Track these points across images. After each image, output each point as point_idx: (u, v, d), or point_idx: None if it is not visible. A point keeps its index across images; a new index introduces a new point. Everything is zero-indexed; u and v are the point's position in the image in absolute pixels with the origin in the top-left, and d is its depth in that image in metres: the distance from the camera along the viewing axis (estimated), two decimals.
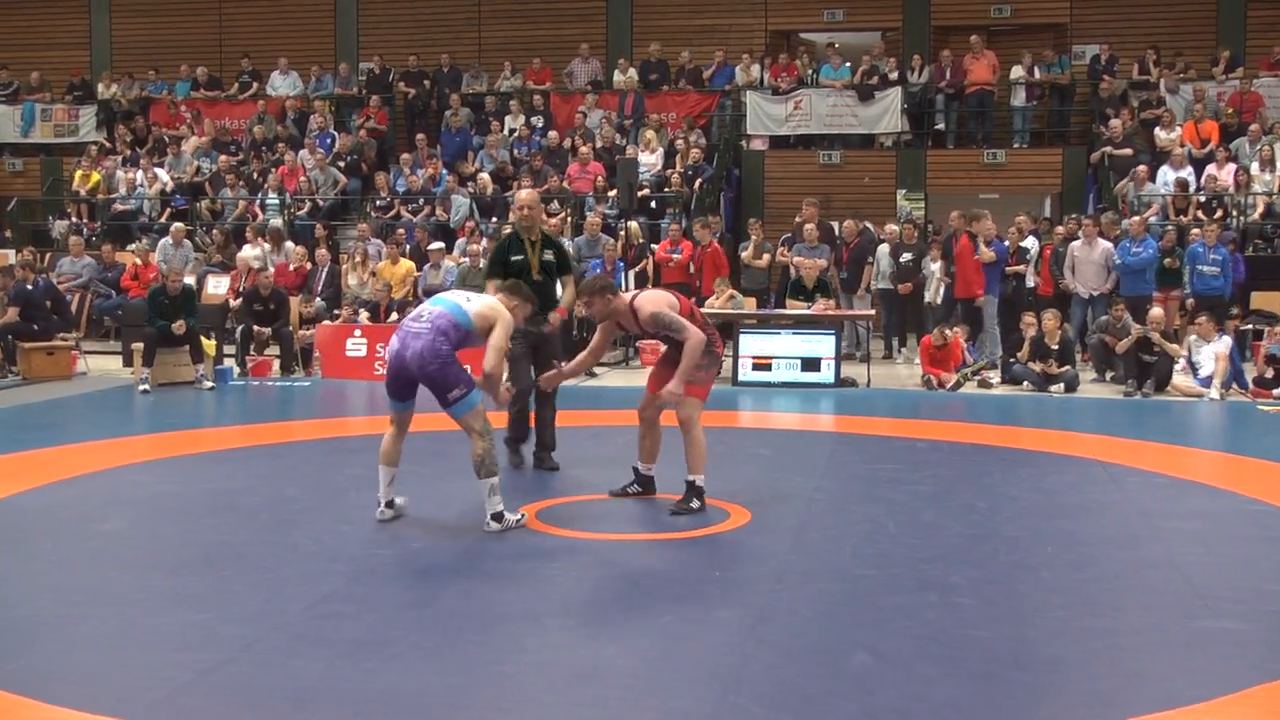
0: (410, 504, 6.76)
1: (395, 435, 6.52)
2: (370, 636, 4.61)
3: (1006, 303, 13.89)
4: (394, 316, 14.30)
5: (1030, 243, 14.80)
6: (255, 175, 19.26)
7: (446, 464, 8.26)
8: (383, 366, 13.44)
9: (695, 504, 6.68)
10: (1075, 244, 14.34)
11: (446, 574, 5.51)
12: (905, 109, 18.99)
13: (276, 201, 18.44)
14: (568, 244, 15.76)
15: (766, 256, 15.66)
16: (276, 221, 17.48)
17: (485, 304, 6.38)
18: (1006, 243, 14.09)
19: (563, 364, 6.86)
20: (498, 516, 6.23)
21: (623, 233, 15.77)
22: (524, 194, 8.43)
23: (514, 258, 8.22)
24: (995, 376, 12.83)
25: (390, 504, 6.47)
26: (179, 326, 12.38)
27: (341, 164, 19.13)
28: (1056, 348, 12.44)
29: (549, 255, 8.28)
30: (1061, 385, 12.22)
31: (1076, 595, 5.21)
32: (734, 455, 8.66)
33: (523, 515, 6.41)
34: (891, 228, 15.46)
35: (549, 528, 6.36)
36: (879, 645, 4.53)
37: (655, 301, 6.71)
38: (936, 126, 19.41)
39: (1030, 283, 14.69)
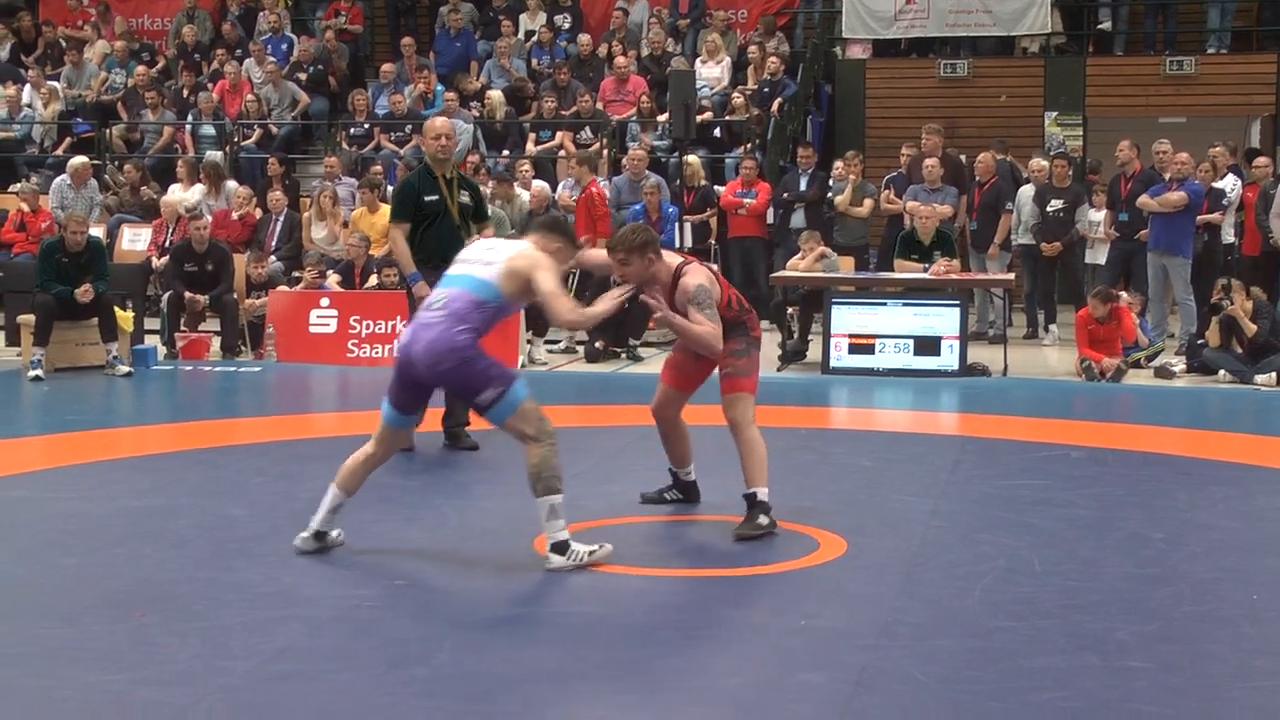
0: (381, 529, 6.77)
1: (371, 455, 6.40)
2: (341, 705, 4.63)
3: (1196, 264, 13.78)
4: (373, 280, 14.39)
5: (1229, 183, 14.65)
6: (185, 93, 19.40)
7: (441, 476, 8.30)
8: (360, 348, 13.66)
9: (763, 521, 6.76)
10: None
11: (442, 622, 5.53)
12: (1057, 2, 18.83)
13: (213, 131, 18.57)
14: (609, 185, 15.78)
15: (868, 202, 15.60)
16: (215, 155, 17.61)
17: (509, 257, 6.26)
18: (1198, 182, 13.95)
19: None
20: (560, 547, 6.14)
21: (685, 171, 15.72)
22: (440, 121, 9.27)
23: (427, 197, 8.92)
24: (1179, 363, 12.74)
25: (320, 536, 6.41)
26: (84, 293, 12.50)
27: (302, 77, 19.23)
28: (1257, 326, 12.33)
29: (465, 198, 9.05)
30: (1272, 376, 12.11)
31: None
32: (824, 465, 8.64)
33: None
34: (1039, 163, 15.35)
35: None
36: None
37: (704, 276, 6.81)
38: (1100, 25, 19.26)
39: (1229, 237, 14.54)
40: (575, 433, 8.83)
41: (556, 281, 6.23)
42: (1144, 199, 13.69)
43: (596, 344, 13.53)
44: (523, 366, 13.26)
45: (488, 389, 6.09)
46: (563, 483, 6.20)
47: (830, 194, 15.71)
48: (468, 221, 9.07)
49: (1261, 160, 15.27)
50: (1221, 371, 12.35)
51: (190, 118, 18.82)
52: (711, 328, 6.69)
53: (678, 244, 14.89)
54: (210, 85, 19.23)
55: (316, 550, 6.39)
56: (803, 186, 15.67)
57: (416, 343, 6.14)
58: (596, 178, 14.95)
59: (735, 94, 17.45)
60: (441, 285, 6.38)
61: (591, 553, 6.20)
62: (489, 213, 9.33)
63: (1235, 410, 11.22)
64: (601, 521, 7.07)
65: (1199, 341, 12.80)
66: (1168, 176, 13.77)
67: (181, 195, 16.44)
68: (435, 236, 8.90)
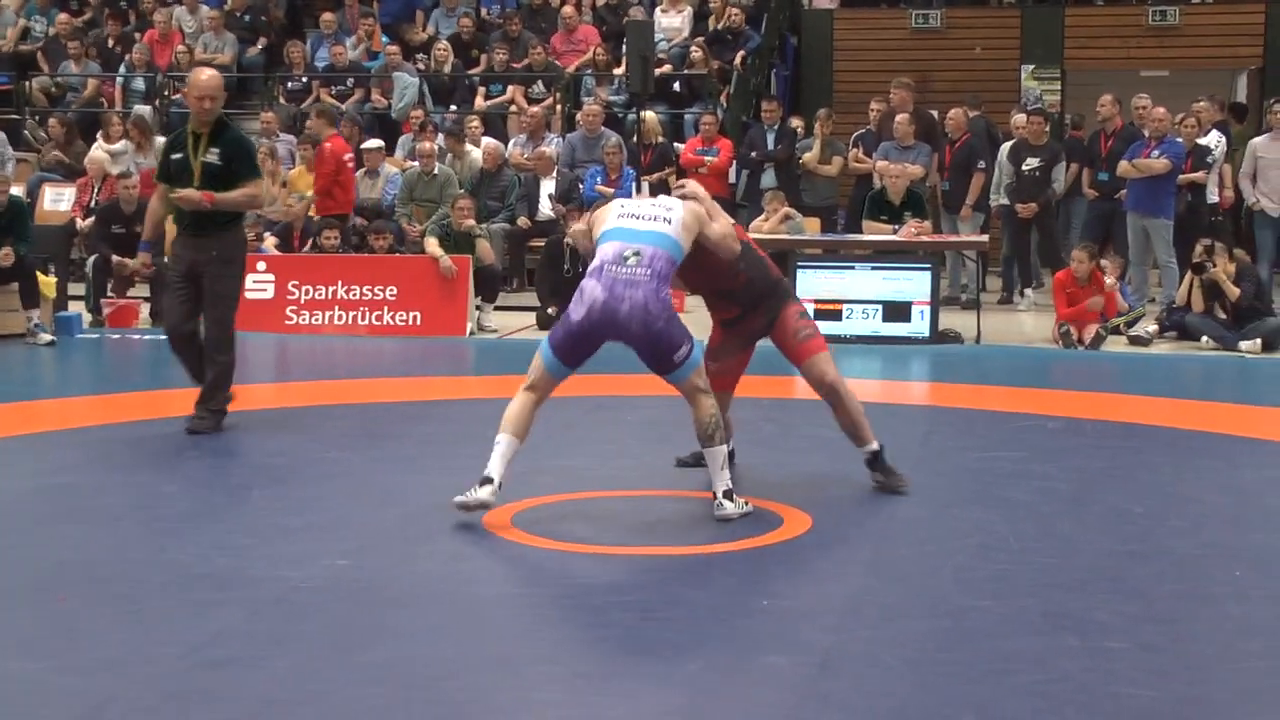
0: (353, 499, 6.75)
1: (535, 401, 6.62)
2: (278, 693, 4.61)
3: (1179, 225, 13.83)
4: (323, 242, 14.32)
5: (1214, 139, 14.72)
6: (110, 42, 19.22)
7: (389, 450, 8.28)
8: (299, 314, 13.60)
9: (901, 474, 7.15)
10: (1260, 140, 14.29)
11: (388, 603, 5.50)
12: None
13: (143, 84, 18.41)
14: (563, 143, 15.72)
15: (837, 160, 15.60)
16: (144, 109, 17.47)
17: (685, 212, 6.64)
18: (1180, 140, 13.99)
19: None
20: (730, 494, 6.52)
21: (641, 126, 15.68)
22: (204, 77, 8.72)
23: (174, 155, 8.69)
24: (1152, 327, 12.80)
25: (488, 483, 6.42)
26: (4, 256, 12.41)
27: (237, 28, 19.08)
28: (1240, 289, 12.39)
29: (213, 157, 8.52)
30: (1257, 342, 12.17)
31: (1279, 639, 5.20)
32: (788, 437, 8.65)
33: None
34: (1019, 119, 15.39)
35: (531, 537, 6.35)
36: (992, 708, 4.51)
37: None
38: None
39: (1213, 197, 14.62)
40: None
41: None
42: (1124, 165, 13.71)
43: (549, 310, 13.51)
44: (471, 334, 13.25)
45: (683, 345, 6.43)
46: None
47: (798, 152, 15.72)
48: (218, 181, 8.49)
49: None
50: (1205, 338, 12.40)
51: (123, 69, 18.63)
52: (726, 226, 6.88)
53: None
54: (138, 35, 19.06)
55: (478, 506, 6.39)
56: (769, 143, 15.65)
57: (623, 301, 6.33)
58: (335, 131, 14.84)
59: (694, 47, 17.38)
60: (624, 239, 6.51)
61: (745, 507, 6.58)
62: (256, 171, 8.81)
63: (1219, 378, 11.29)
64: (554, 497, 7.06)
65: (1173, 304, 12.87)
66: (1147, 134, 13.82)
67: (108, 151, 16.29)
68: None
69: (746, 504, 6.60)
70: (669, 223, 6.56)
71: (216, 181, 8.49)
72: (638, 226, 6.55)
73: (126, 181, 14.12)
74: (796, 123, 16.00)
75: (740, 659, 4.93)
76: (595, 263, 6.49)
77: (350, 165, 14.70)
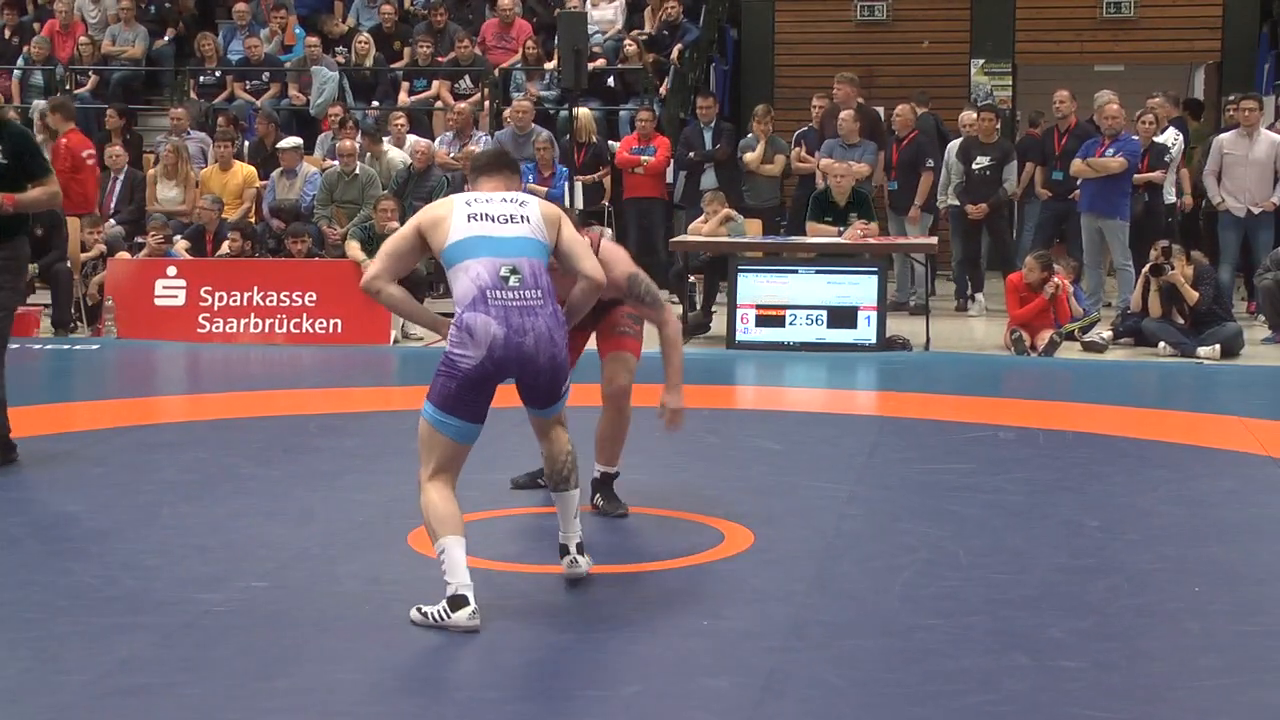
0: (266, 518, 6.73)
1: (452, 484, 5.80)
2: None
3: (1135, 227, 13.92)
4: (225, 247, 14.24)
5: (1170, 137, 14.83)
6: (8, 34, 19.07)
7: (306, 465, 8.24)
8: (212, 322, 13.52)
9: (624, 504, 7.00)
10: (1226, 136, 14.39)
11: (307, 627, 5.49)
12: None
13: (42, 78, 18.27)
14: (491, 140, 15.71)
15: (780, 159, 15.62)
16: (42, 104, 17.31)
17: (543, 207, 5.79)
18: (1136, 137, 14.10)
19: None
20: (583, 548, 5.97)
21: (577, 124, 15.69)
22: None
23: None
24: (1107, 333, 12.90)
25: (464, 604, 5.43)
26: None
27: (144, 19, 18.96)
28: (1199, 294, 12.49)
29: None
30: (1216, 348, 12.28)
31: (1239, 656, 5.24)
32: (730, 450, 8.66)
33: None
34: (969, 116, 15.44)
35: None
36: None
37: (625, 258, 6.72)
38: None
39: (1170, 197, 14.73)
40: None
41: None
42: (1078, 164, 13.76)
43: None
44: (395, 342, 13.21)
45: (568, 376, 5.86)
46: None
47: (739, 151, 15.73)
48: (6, 181, 8.00)
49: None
50: (1162, 344, 12.50)
51: (21, 63, 18.47)
52: (672, 322, 6.77)
53: (568, 206, 14.87)
54: (38, 26, 18.90)
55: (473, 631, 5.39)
56: (706, 141, 15.66)
57: (526, 334, 5.50)
58: (73, 126, 14.62)
59: (629, 40, 17.39)
60: (490, 252, 5.57)
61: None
62: (47, 169, 8.37)
63: (1176, 386, 11.38)
64: (484, 513, 7.05)
65: (1128, 309, 12.96)
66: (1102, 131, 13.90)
67: None
68: None
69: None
70: (528, 221, 5.66)
71: (4, 181, 8.02)
72: (498, 232, 5.60)
73: None
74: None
75: (680, 682, 4.94)
76: (469, 289, 5.51)
77: (90, 162, 14.51)
